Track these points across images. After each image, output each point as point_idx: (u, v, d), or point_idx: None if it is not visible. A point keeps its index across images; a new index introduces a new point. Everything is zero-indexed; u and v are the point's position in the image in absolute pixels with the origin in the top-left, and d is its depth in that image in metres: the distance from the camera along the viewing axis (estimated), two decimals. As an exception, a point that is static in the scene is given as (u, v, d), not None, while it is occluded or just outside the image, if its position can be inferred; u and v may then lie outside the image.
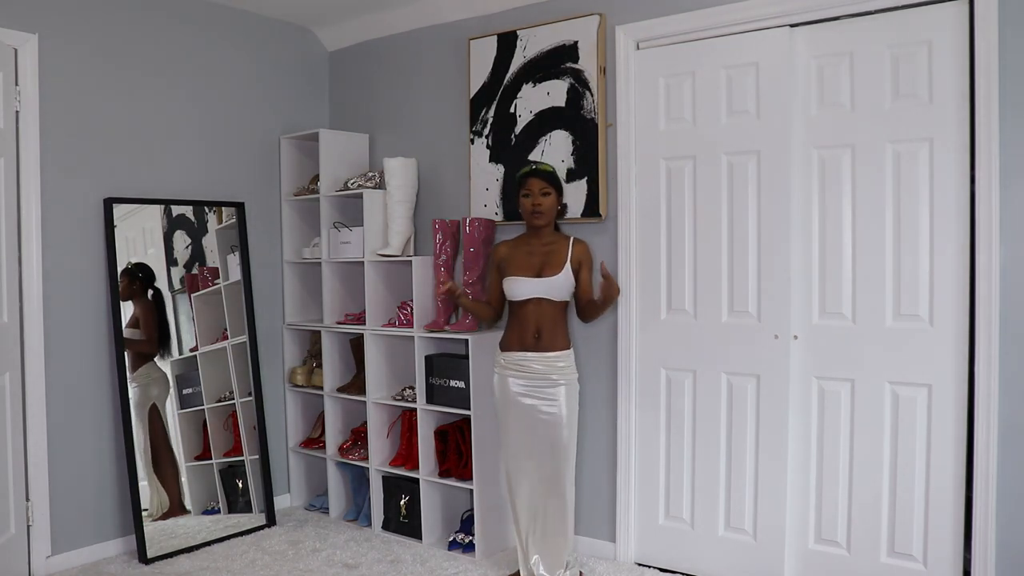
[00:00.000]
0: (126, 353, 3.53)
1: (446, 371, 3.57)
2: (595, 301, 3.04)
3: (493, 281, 3.20)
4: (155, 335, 3.65)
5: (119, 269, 3.53)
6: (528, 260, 3.07)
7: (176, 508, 3.67)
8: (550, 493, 3.04)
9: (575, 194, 3.42)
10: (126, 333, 3.56)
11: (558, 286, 3.02)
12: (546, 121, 3.51)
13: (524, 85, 3.57)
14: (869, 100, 2.88)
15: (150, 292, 3.68)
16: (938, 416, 2.79)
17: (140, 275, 3.63)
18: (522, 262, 3.08)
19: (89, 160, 3.47)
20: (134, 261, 3.62)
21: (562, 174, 3.45)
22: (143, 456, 3.58)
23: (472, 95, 3.74)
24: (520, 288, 3.03)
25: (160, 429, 3.67)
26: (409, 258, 3.72)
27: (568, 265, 3.03)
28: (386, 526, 3.81)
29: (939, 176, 2.77)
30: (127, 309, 3.59)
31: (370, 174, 3.90)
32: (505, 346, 3.11)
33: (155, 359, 3.68)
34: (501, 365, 3.10)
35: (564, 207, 3.27)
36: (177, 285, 3.76)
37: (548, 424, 3.01)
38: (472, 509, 3.56)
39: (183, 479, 3.71)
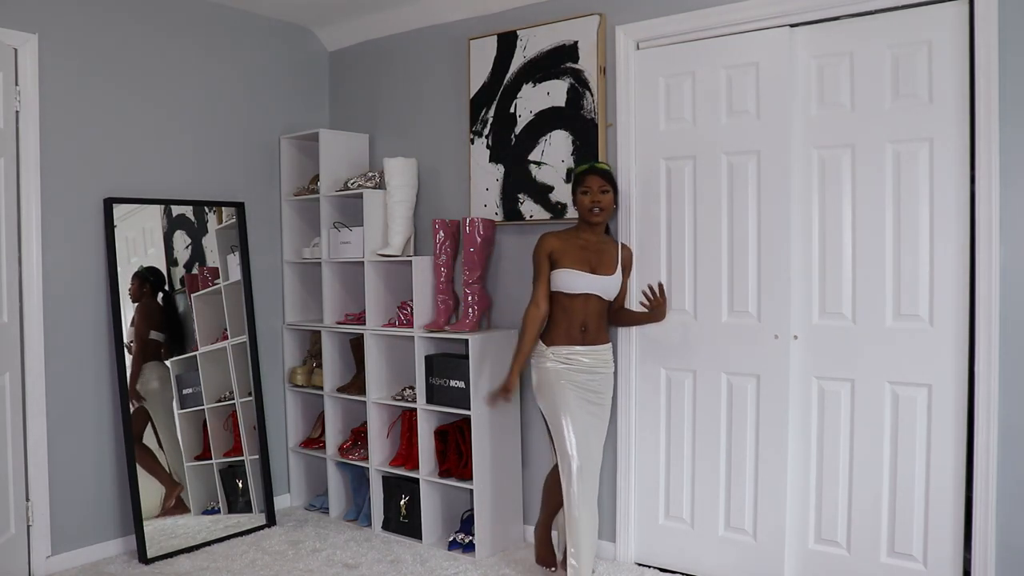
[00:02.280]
0: (127, 352, 3.55)
1: (446, 371, 3.57)
2: (632, 313, 3.21)
3: (544, 274, 3.10)
4: (146, 338, 3.64)
5: (121, 269, 3.53)
6: (583, 255, 3.08)
7: (170, 488, 3.65)
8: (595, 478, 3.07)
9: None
10: (129, 334, 3.58)
11: (611, 285, 3.09)
12: (546, 121, 3.51)
13: (524, 85, 3.57)
14: (869, 100, 2.88)
15: (160, 295, 3.68)
16: (938, 416, 2.79)
17: (151, 279, 3.64)
18: (577, 256, 3.08)
19: (89, 160, 3.47)
20: (145, 264, 3.63)
21: (562, 174, 3.45)
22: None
23: (472, 95, 3.73)
24: (578, 282, 3.04)
25: (139, 428, 3.63)
26: (409, 258, 3.72)
27: (620, 267, 3.11)
28: (386, 526, 3.81)
29: (939, 176, 2.76)
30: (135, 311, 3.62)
31: (370, 174, 3.89)
32: (550, 341, 3.08)
33: (162, 358, 3.69)
34: (550, 359, 3.05)
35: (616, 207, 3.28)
36: (177, 285, 3.76)
37: (601, 404, 3.10)
38: (472, 509, 3.56)
39: (166, 464, 3.68)
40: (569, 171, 3.43)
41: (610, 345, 3.16)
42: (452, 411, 3.55)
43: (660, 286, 3.13)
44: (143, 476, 3.57)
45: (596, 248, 3.10)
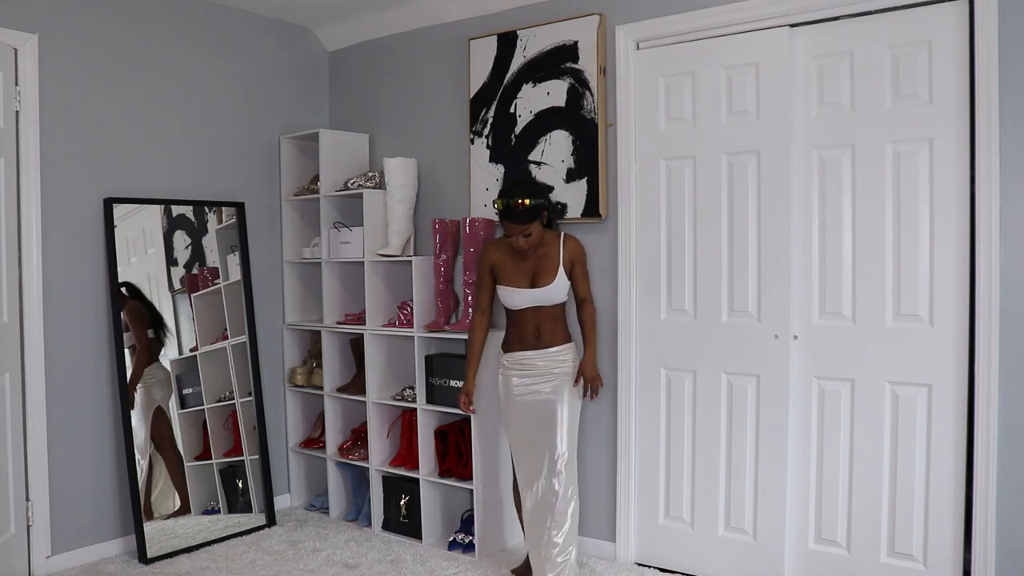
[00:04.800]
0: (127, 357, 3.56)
1: (446, 371, 3.57)
2: (585, 332, 3.09)
3: (485, 285, 3.14)
4: (144, 339, 3.63)
5: (121, 269, 3.53)
6: (523, 266, 3.05)
7: (186, 507, 3.69)
8: (556, 480, 3.02)
9: (575, 194, 3.42)
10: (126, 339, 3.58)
11: (552, 294, 3.02)
12: (546, 121, 3.51)
13: (524, 85, 3.57)
14: (869, 100, 2.88)
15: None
16: (938, 416, 2.79)
17: (123, 287, 3.58)
18: (515, 269, 3.05)
19: (89, 160, 3.47)
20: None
21: (562, 174, 3.45)
22: (146, 457, 3.59)
23: (472, 95, 3.73)
24: (516, 299, 3.04)
25: (167, 430, 3.66)
26: (409, 258, 3.71)
27: (561, 269, 3.02)
28: (386, 526, 3.81)
29: (939, 176, 2.76)
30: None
31: (370, 174, 3.89)
32: (507, 347, 3.13)
33: (159, 359, 3.68)
34: (504, 366, 3.12)
35: (551, 218, 3.11)
36: (177, 285, 3.76)
37: (549, 403, 3.03)
38: (472, 509, 3.56)
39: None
40: (569, 171, 3.43)
41: (571, 345, 3.10)
42: (452, 411, 3.55)
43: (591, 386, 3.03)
44: (159, 480, 3.59)
45: (535, 256, 3.04)
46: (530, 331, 3.05)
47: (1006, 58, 2.60)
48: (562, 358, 3.06)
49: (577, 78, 3.41)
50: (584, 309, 3.11)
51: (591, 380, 3.03)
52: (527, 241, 2.98)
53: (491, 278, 3.13)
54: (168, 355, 3.72)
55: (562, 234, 3.09)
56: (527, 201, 2.90)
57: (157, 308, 3.68)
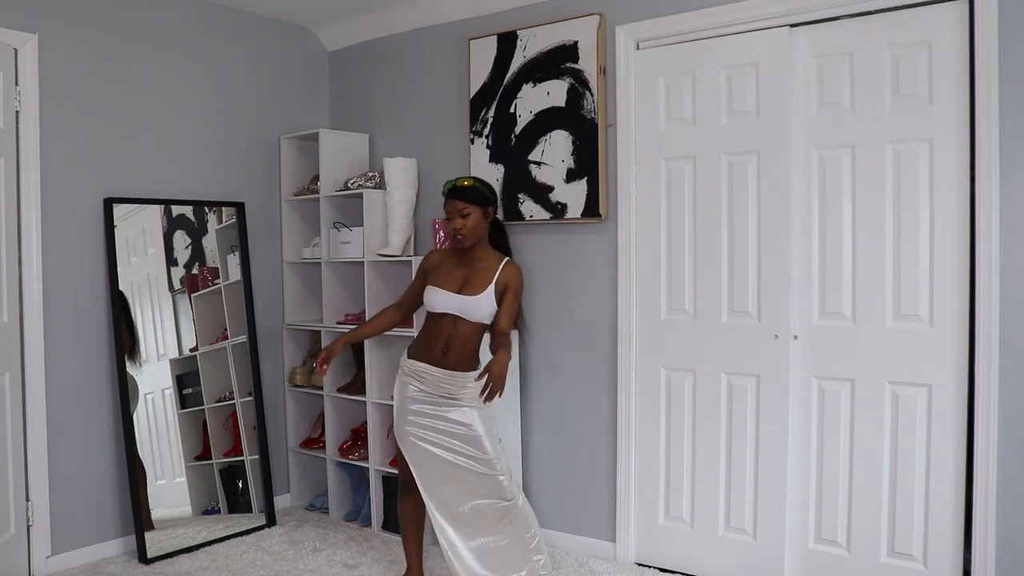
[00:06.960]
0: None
1: (446, 371, 3.57)
2: (495, 341, 2.89)
3: (415, 284, 3.10)
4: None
5: (121, 269, 3.53)
6: (453, 273, 2.97)
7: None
8: (491, 505, 2.94)
9: (575, 194, 3.42)
10: None
11: (475, 307, 2.90)
12: (546, 121, 3.51)
13: (524, 85, 3.57)
14: (869, 100, 2.88)
15: None
16: (938, 416, 2.79)
17: None
18: (447, 274, 2.97)
19: (89, 160, 3.47)
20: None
21: (562, 174, 3.45)
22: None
23: (472, 95, 3.73)
24: (438, 300, 2.93)
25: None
26: (409, 258, 3.72)
27: (492, 287, 2.91)
28: (386, 526, 3.81)
29: (939, 176, 2.77)
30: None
31: (370, 174, 3.90)
32: (411, 353, 3.01)
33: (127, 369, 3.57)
34: (404, 371, 3.00)
35: (498, 236, 3.05)
36: (177, 285, 3.76)
37: (466, 438, 2.91)
38: (472, 509, 3.55)
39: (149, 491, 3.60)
40: (569, 171, 3.43)
41: (475, 373, 2.91)
42: (452, 411, 3.55)
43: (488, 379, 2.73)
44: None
45: (472, 266, 2.96)
46: (440, 344, 2.92)
47: (1006, 58, 2.60)
48: (469, 388, 2.91)
49: (577, 78, 3.41)
50: (501, 336, 2.89)
51: (495, 378, 2.69)
52: (464, 223, 2.89)
53: (422, 281, 3.05)
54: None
55: (505, 259, 2.99)
56: (469, 181, 2.95)
57: (135, 321, 3.60)
